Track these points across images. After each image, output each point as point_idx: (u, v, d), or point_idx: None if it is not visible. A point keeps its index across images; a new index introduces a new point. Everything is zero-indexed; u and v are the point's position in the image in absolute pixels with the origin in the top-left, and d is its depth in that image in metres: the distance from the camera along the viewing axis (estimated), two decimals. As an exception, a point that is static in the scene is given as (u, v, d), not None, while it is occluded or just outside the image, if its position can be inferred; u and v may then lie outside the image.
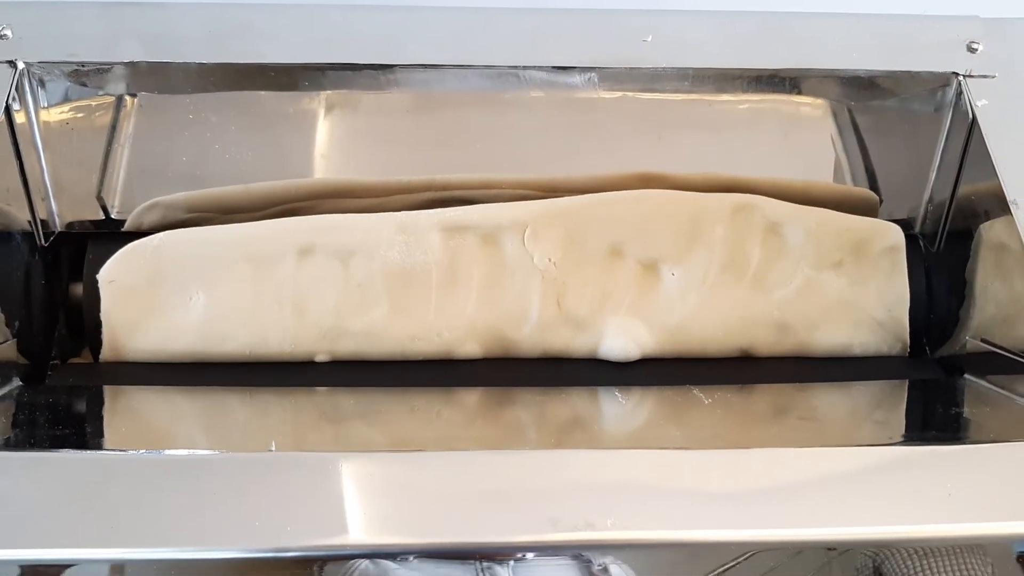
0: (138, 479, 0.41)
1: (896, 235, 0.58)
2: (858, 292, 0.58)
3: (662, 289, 0.57)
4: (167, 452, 0.42)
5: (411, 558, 0.41)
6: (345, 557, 0.41)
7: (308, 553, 0.40)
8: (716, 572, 0.42)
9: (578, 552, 0.41)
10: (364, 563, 0.42)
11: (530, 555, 0.41)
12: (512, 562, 0.42)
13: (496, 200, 0.58)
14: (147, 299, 0.55)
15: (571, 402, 0.51)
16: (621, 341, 0.55)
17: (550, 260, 0.56)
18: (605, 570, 0.42)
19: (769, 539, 0.41)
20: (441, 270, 0.55)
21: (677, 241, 0.56)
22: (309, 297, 0.55)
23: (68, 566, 0.40)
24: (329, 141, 0.59)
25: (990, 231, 0.55)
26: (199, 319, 0.55)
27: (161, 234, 0.55)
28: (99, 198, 0.58)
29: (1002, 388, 0.52)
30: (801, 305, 0.57)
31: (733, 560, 0.41)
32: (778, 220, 0.57)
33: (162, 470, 0.41)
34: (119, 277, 0.55)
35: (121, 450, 0.43)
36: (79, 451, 0.42)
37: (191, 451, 0.42)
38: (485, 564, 0.42)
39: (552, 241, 0.56)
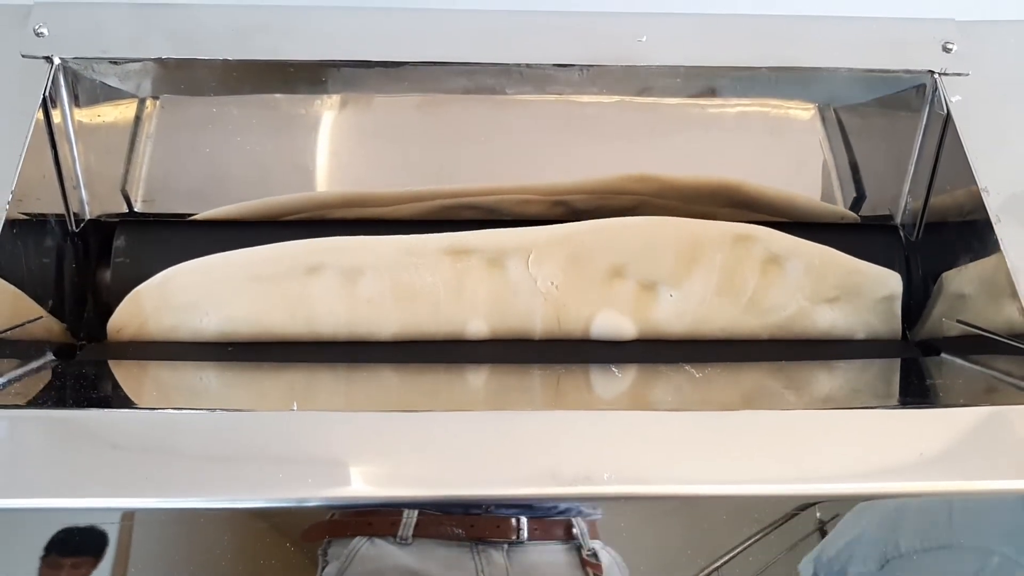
0: (170, 435, 0.44)
1: (895, 285, 0.61)
2: (851, 325, 0.61)
3: (659, 307, 0.59)
4: (196, 410, 0.45)
5: (410, 540, 0.44)
6: (359, 507, 0.44)
7: (326, 503, 0.43)
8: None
9: (577, 504, 0.44)
10: (364, 544, 0.44)
11: (525, 540, 0.45)
12: (507, 545, 0.45)
13: (501, 205, 0.61)
14: (159, 326, 0.57)
15: (569, 376, 0.55)
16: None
17: (552, 283, 0.58)
18: (595, 555, 0.45)
19: (754, 493, 0.44)
20: (448, 290, 0.58)
21: (677, 265, 0.59)
22: (319, 310, 0.57)
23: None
24: (342, 136, 0.61)
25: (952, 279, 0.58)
26: (215, 331, 0.58)
27: (162, 273, 0.57)
28: (123, 191, 0.61)
29: (976, 364, 0.55)
30: (791, 330, 0.60)
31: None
32: (779, 252, 0.59)
33: (192, 427, 0.44)
34: (126, 324, 0.57)
35: (151, 408, 0.46)
36: (113, 410, 0.46)
37: (219, 410, 0.45)
38: (480, 547, 0.45)
39: (555, 266, 0.58)
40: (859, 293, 0.60)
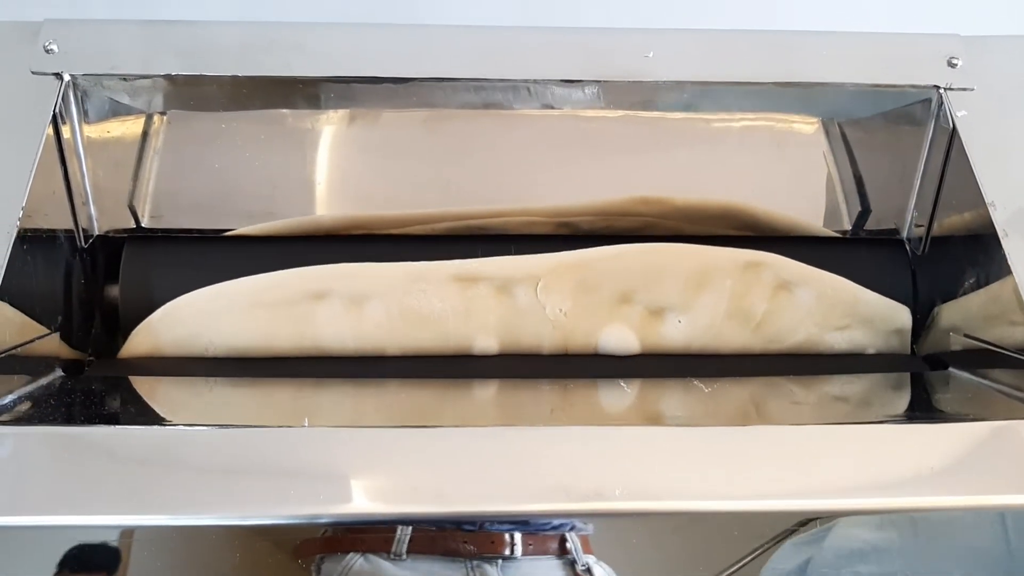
0: (180, 451, 0.44)
1: (905, 319, 0.61)
2: (857, 349, 0.61)
3: (666, 332, 0.60)
4: (202, 427, 0.45)
5: (404, 556, 0.44)
6: (367, 523, 0.44)
7: (337, 519, 0.43)
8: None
9: (588, 520, 0.44)
10: (358, 560, 0.44)
11: (519, 556, 0.45)
12: (500, 560, 0.45)
13: (507, 227, 0.62)
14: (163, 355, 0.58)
15: (577, 390, 0.55)
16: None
17: (561, 311, 0.59)
18: (588, 570, 0.45)
19: (766, 509, 0.44)
20: (457, 317, 0.58)
21: (686, 291, 0.59)
22: (325, 333, 0.58)
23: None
24: (349, 152, 0.62)
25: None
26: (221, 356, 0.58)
27: (164, 306, 0.58)
28: (131, 207, 0.61)
29: (984, 378, 0.55)
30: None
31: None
32: (789, 279, 0.59)
33: (198, 443, 0.44)
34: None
35: (161, 425, 0.46)
36: (122, 427, 0.46)
37: (225, 427, 0.45)
38: (475, 563, 0.45)
39: (563, 293, 0.58)
40: (869, 323, 0.61)
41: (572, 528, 0.44)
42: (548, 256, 0.58)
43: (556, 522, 0.44)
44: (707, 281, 0.58)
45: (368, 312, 0.57)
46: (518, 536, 0.45)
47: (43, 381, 0.52)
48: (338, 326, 0.57)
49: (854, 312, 0.60)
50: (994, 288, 0.55)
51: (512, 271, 0.58)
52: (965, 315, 0.58)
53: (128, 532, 0.43)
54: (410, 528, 0.44)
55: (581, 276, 0.58)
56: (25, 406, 0.48)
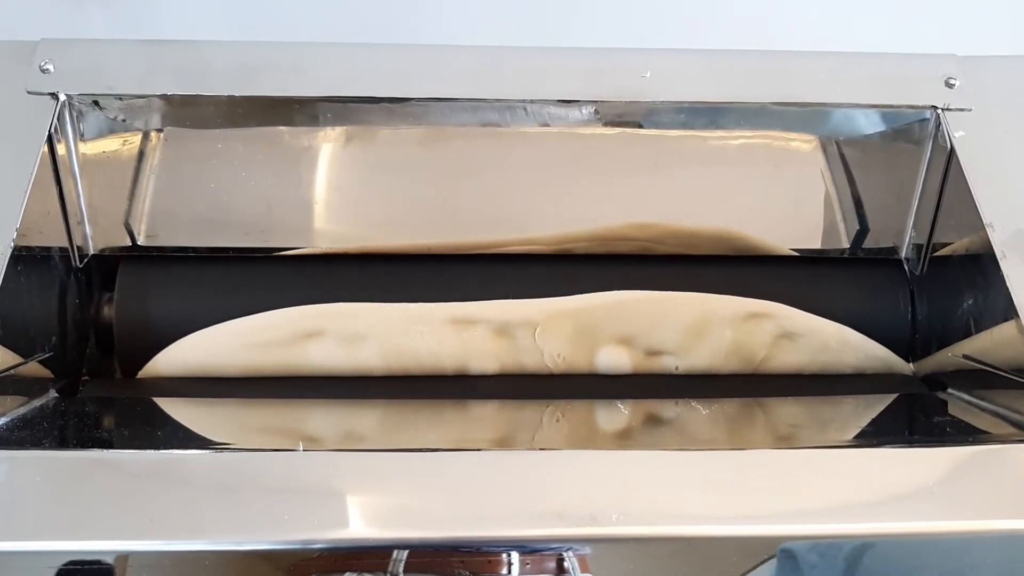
0: (174, 475, 0.44)
1: (907, 371, 0.61)
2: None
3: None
4: (195, 452, 0.45)
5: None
6: (363, 550, 0.43)
7: (332, 545, 0.42)
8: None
9: (584, 545, 0.44)
10: None
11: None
12: None
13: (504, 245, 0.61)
14: None
15: (573, 411, 0.54)
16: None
17: (559, 355, 0.59)
18: None
19: (765, 534, 0.44)
20: (455, 359, 0.58)
21: (685, 339, 0.59)
22: (318, 369, 0.57)
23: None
24: (346, 170, 0.61)
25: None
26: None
27: (158, 355, 0.58)
28: (127, 225, 0.61)
29: (982, 400, 0.55)
30: None
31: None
32: (793, 331, 0.59)
33: (191, 469, 0.44)
34: None
35: (155, 449, 0.45)
36: (116, 451, 0.45)
37: (221, 450, 0.45)
38: None
39: (561, 339, 0.58)
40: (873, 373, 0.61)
41: (570, 549, 0.44)
42: (546, 301, 0.58)
43: (553, 544, 0.44)
44: (706, 331, 0.58)
45: (363, 352, 0.57)
46: (515, 556, 0.44)
47: (37, 403, 0.52)
48: (332, 365, 0.57)
49: (858, 364, 0.60)
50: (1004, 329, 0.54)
51: (510, 316, 0.58)
52: (963, 337, 0.58)
53: (122, 558, 0.42)
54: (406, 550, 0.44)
55: (579, 323, 0.58)
56: (19, 428, 0.48)
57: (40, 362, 0.54)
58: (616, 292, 0.59)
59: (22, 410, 0.50)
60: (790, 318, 0.59)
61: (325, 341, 0.57)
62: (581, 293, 0.60)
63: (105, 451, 0.45)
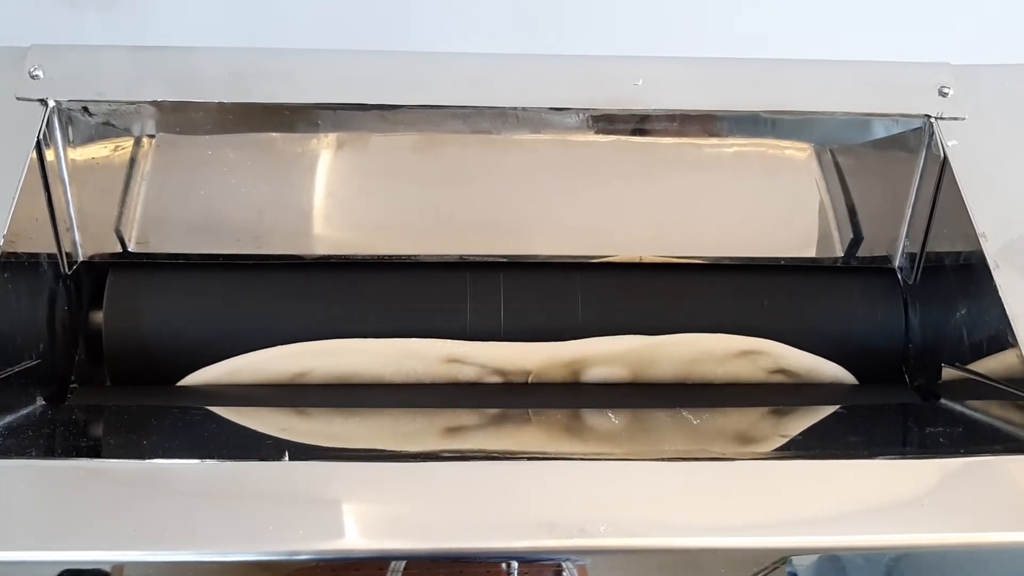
0: (159, 487, 0.43)
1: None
2: None
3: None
4: (184, 461, 0.45)
5: None
6: (352, 560, 0.43)
7: (319, 556, 0.42)
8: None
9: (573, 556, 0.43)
10: None
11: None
12: None
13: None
14: None
15: (563, 420, 0.54)
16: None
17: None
18: None
19: (755, 546, 0.43)
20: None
21: (677, 379, 0.59)
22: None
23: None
24: (338, 177, 0.61)
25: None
26: None
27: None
28: (117, 231, 0.60)
29: (975, 411, 0.54)
30: None
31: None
32: (788, 368, 0.59)
33: (179, 478, 0.44)
34: None
35: (141, 459, 0.45)
36: (103, 460, 0.45)
37: (208, 461, 0.45)
38: None
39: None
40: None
41: (568, 559, 0.44)
42: (540, 347, 0.58)
43: (543, 556, 0.44)
44: (698, 368, 0.59)
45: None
46: (515, 565, 0.44)
47: (24, 411, 0.51)
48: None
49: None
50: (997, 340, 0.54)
51: (503, 362, 0.58)
52: (956, 347, 0.57)
53: (110, 568, 0.42)
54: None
55: (572, 370, 0.58)
56: (5, 436, 0.48)
57: (28, 370, 0.53)
58: (610, 339, 0.58)
59: (8, 418, 0.49)
60: (784, 356, 0.59)
61: (313, 377, 0.57)
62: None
63: (92, 460, 0.45)
